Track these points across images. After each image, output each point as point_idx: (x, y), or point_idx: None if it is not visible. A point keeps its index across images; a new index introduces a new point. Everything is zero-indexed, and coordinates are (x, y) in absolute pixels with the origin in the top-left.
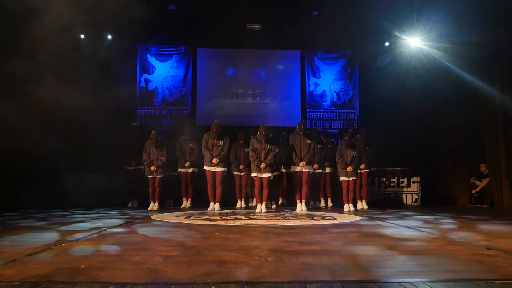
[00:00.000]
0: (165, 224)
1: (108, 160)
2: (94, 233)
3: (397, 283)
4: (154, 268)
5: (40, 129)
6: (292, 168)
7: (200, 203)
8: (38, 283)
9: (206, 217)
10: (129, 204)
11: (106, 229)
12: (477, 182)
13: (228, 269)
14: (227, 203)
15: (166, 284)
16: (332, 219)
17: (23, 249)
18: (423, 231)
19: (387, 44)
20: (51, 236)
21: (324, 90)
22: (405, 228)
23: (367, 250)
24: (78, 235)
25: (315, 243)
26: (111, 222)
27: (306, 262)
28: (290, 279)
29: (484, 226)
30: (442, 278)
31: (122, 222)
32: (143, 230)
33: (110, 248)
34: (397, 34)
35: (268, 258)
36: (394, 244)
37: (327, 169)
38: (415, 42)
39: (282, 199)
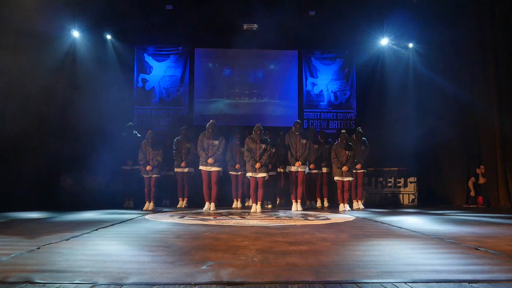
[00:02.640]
0: (157, 224)
1: (105, 160)
2: (84, 232)
3: (378, 283)
4: (138, 268)
5: (36, 129)
6: (288, 168)
7: (196, 203)
8: (16, 283)
9: (200, 217)
10: (125, 204)
11: (97, 229)
12: (472, 191)
13: (212, 269)
14: (223, 203)
15: (148, 285)
16: (325, 219)
17: (10, 249)
18: (414, 231)
19: (385, 43)
20: (40, 235)
21: (322, 90)
22: (397, 228)
23: (355, 250)
24: (68, 235)
25: (304, 243)
26: (103, 222)
27: (292, 262)
28: (273, 279)
29: (477, 226)
30: (425, 278)
31: (114, 222)
32: (134, 230)
33: (97, 248)
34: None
35: (254, 258)
36: (382, 244)
37: (324, 169)
38: (413, 44)
39: (279, 199)
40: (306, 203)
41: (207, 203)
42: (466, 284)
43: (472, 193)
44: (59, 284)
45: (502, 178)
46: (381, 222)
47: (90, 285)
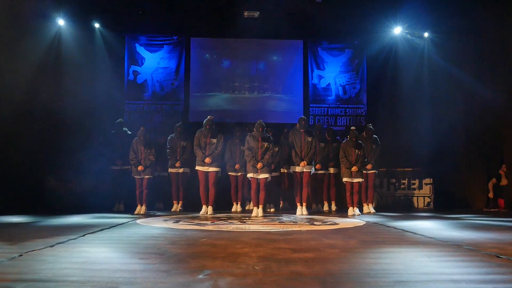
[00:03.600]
0: (150, 229)
1: (93, 160)
2: (70, 238)
3: None
4: (129, 277)
5: (19, 126)
6: (292, 168)
7: (192, 206)
8: None
9: (197, 221)
10: (115, 207)
11: (84, 235)
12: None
13: (209, 279)
14: (222, 206)
15: None
16: (333, 224)
17: None
18: (430, 237)
19: (398, 32)
20: (22, 241)
21: (329, 84)
22: (411, 233)
23: (365, 258)
24: (53, 241)
25: (309, 250)
26: (91, 226)
27: (297, 271)
28: None
29: (498, 232)
30: None
31: (103, 227)
32: (125, 235)
33: (85, 255)
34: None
35: (256, 267)
36: (394, 252)
37: (331, 170)
38: (429, 33)
39: (283, 202)
40: (312, 207)
41: (204, 207)
42: None
43: (491, 195)
44: None
45: None
46: (394, 228)
47: None
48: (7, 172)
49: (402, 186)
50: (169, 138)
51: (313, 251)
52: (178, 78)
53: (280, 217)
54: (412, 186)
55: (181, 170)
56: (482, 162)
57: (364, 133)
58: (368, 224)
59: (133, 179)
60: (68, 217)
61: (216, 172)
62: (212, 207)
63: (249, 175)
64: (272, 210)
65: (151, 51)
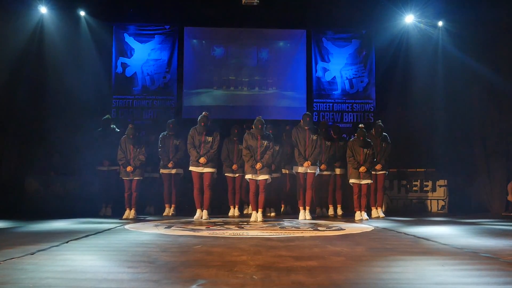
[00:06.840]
0: (140, 235)
1: (77, 160)
2: (53, 245)
3: None
4: (117, 287)
5: None
6: (295, 169)
7: (185, 211)
8: None
9: (190, 227)
10: (101, 212)
11: (68, 241)
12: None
13: None
14: (218, 210)
15: None
16: (339, 230)
17: None
18: (445, 244)
19: (409, 21)
20: (0, 249)
21: (334, 77)
22: (423, 240)
23: (373, 267)
24: (34, 248)
25: (313, 258)
26: (75, 232)
27: (299, 281)
28: None
29: None
30: None
31: (89, 233)
32: (112, 242)
33: (68, 264)
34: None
35: (254, 276)
36: (405, 260)
37: (337, 170)
38: (443, 22)
39: (284, 206)
40: (316, 211)
41: (198, 211)
42: None
43: (510, 198)
44: None
45: None
46: (405, 233)
47: None
48: None
49: (414, 188)
50: (160, 136)
51: (316, 259)
52: (171, 71)
53: (281, 222)
54: (425, 188)
55: (173, 171)
56: (501, 162)
57: (373, 131)
58: (377, 230)
59: (122, 180)
60: (50, 222)
61: (212, 173)
62: (207, 211)
63: (248, 176)
64: (272, 214)
65: (141, 42)
